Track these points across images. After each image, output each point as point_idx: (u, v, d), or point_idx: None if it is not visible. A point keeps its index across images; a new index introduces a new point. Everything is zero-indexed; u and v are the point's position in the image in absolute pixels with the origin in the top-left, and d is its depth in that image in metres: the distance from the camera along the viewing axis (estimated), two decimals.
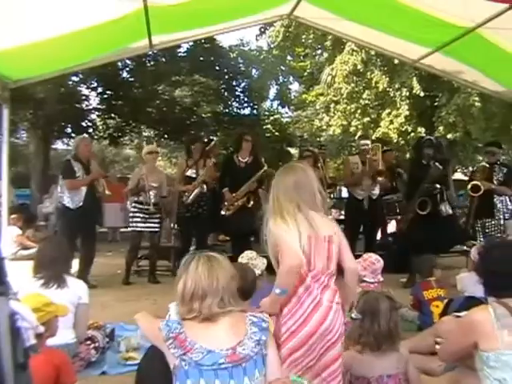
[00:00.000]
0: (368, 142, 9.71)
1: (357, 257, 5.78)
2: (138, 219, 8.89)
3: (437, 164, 8.58)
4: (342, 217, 12.54)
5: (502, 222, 8.71)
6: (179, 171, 9.40)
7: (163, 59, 20.96)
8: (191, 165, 9.01)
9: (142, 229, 8.94)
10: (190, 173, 8.96)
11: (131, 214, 9.04)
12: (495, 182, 8.68)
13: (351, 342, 3.68)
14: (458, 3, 6.19)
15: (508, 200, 8.81)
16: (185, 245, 9.08)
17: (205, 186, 8.84)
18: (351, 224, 9.38)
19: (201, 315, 2.74)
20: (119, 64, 19.59)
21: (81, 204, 8.21)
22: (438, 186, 8.63)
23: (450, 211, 8.73)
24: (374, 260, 5.56)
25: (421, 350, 4.13)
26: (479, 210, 8.78)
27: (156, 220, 8.98)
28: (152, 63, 20.95)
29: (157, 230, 9.07)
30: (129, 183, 9.23)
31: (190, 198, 8.77)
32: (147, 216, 8.84)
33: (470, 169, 9.26)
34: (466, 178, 11.70)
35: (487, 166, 8.72)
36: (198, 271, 2.80)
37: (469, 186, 8.62)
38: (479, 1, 6.01)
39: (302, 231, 3.20)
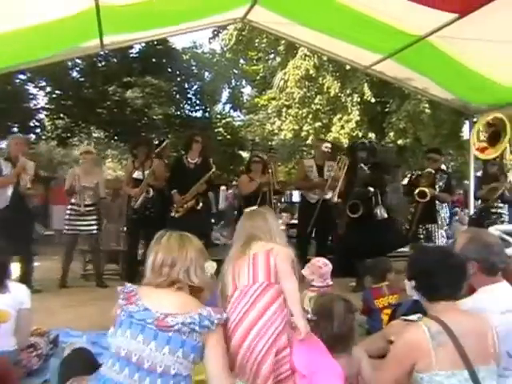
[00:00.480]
0: (329, 145, 9.78)
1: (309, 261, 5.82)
2: (72, 221, 8.70)
3: (362, 166, 8.67)
4: (294, 221, 12.58)
5: (444, 227, 8.87)
6: (126, 173, 9.27)
7: (115, 60, 20.73)
8: (137, 166, 8.89)
9: (75, 232, 8.74)
10: (137, 175, 8.84)
11: (66, 217, 8.82)
12: (437, 188, 8.77)
13: None
14: (409, 11, 6.24)
15: (447, 207, 9.07)
16: (132, 248, 8.96)
17: (151, 190, 8.71)
18: (304, 228, 9.42)
19: (168, 279, 3.00)
20: (69, 63, 19.28)
21: (7, 204, 7.95)
22: (370, 189, 8.69)
23: (386, 215, 8.71)
24: (322, 264, 5.55)
25: (370, 354, 4.13)
26: (422, 216, 8.81)
27: (92, 222, 8.77)
28: (103, 63, 20.69)
29: (94, 232, 8.85)
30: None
31: (138, 202, 8.66)
32: (81, 218, 8.66)
33: (413, 174, 9.32)
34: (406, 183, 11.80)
35: (433, 171, 8.80)
36: (169, 242, 3.10)
37: (416, 192, 8.70)
38: (430, 10, 6.08)
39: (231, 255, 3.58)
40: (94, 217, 8.79)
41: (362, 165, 8.65)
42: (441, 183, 8.82)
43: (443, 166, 9.97)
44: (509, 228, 3.53)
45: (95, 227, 8.79)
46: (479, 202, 9.49)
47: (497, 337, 2.95)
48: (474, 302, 3.30)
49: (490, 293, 3.42)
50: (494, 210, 8.80)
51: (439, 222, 8.79)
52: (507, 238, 3.18)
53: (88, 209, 8.68)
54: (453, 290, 3.04)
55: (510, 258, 6.31)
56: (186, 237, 3.19)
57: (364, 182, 8.69)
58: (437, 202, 8.77)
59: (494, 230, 3.13)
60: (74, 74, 20.85)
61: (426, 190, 8.56)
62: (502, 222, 8.42)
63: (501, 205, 8.80)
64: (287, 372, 3.22)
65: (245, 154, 24.10)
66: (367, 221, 8.53)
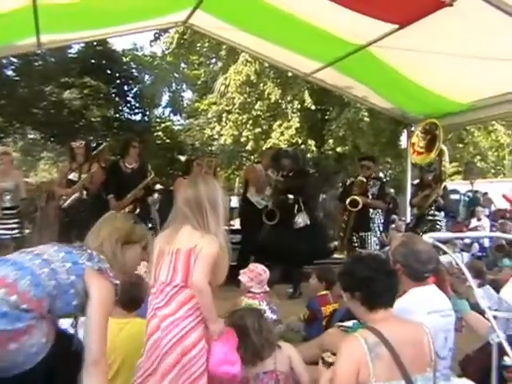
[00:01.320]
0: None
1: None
2: None
3: (271, 174, 8.73)
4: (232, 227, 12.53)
5: (377, 234, 8.94)
6: (60, 174, 9.02)
7: (52, 59, 20.31)
8: (75, 168, 8.66)
9: None
10: (72, 176, 8.57)
11: None
12: (370, 195, 8.81)
13: None
14: (350, 21, 6.31)
15: (381, 214, 9.08)
16: None
17: (85, 192, 8.52)
18: (250, 233, 9.44)
19: None
20: (3, 61, 18.76)
21: None
22: (290, 196, 8.73)
23: (308, 222, 8.73)
24: (261, 271, 5.51)
25: (305, 360, 4.14)
26: (356, 224, 8.85)
27: (14, 225, 8.52)
28: (40, 63, 20.23)
29: (16, 235, 8.56)
30: None
31: (67, 202, 8.41)
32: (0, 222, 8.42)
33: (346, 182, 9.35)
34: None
35: (364, 180, 8.87)
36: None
37: (347, 201, 8.74)
38: (370, 20, 6.16)
39: (156, 244, 3.52)
40: (15, 220, 8.52)
41: (272, 173, 8.71)
42: (373, 190, 8.86)
43: (381, 174, 10.07)
44: (443, 236, 3.56)
45: (17, 231, 8.53)
46: (414, 209, 9.45)
47: (432, 342, 3.00)
48: (403, 303, 3.36)
49: (417, 295, 3.49)
50: (429, 218, 8.80)
51: (373, 230, 8.82)
52: (440, 245, 3.21)
53: (7, 212, 8.41)
54: (391, 295, 3.07)
55: (443, 265, 6.46)
56: (109, 216, 3.45)
57: (285, 189, 8.72)
58: (371, 209, 8.81)
59: (428, 238, 3.14)
60: (9, 72, 20.31)
61: (358, 198, 8.62)
62: (439, 230, 8.50)
63: (436, 212, 8.84)
64: (199, 370, 3.18)
65: (183, 159, 23.96)
66: (285, 228, 8.55)
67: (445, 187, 8.79)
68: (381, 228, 9.09)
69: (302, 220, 8.63)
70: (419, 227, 8.65)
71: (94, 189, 8.72)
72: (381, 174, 9.78)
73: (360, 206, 8.59)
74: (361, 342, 2.82)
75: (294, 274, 8.78)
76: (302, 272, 8.81)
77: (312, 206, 9.40)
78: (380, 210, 9.05)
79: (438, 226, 8.72)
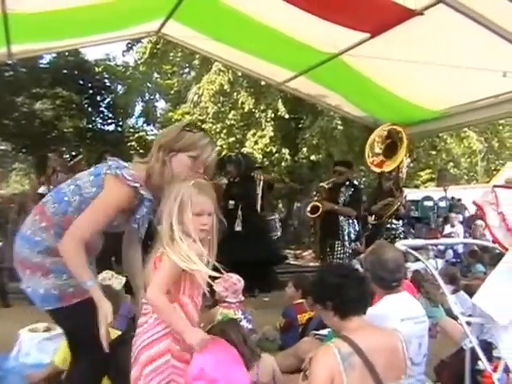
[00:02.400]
0: None
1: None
2: None
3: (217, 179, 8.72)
4: None
5: (347, 243, 8.49)
6: (32, 189, 8.96)
7: (23, 69, 20.11)
8: (42, 181, 8.58)
9: None
10: (42, 190, 8.52)
11: None
12: (341, 202, 8.52)
13: None
14: (323, 29, 6.34)
15: (354, 221, 8.67)
16: None
17: None
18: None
19: None
20: None
21: None
22: (232, 202, 8.74)
23: (238, 228, 8.72)
24: (236, 280, 5.52)
25: (281, 369, 4.13)
26: (324, 231, 8.79)
27: None
28: (11, 73, 20.03)
29: None
30: None
31: None
32: None
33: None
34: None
35: (325, 186, 8.73)
36: None
37: (308, 208, 8.63)
38: (342, 29, 6.20)
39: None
40: None
41: (221, 178, 8.72)
42: (345, 197, 8.56)
43: (362, 180, 10.04)
44: (416, 243, 3.59)
45: None
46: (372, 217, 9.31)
47: (406, 349, 3.01)
48: (375, 310, 3.37)
49: (390, 302, 3.51)
50: (388, 226, 8.79)
51: (342, 238, 8.44)
52: (413, 252, 3.23)
53: None
54: (363, 303, 3.08)
55: (417, 271, 6.51)
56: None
57: (228, 195, 8.71)
58: (341, 216, 8.49)
59: (401, 246, 3.16)
60: None
61: (319, 204, 8.51)
62: (400, 238, 8.35)
63: (395, 221, 8.79)
64: (168, 378, 3.09)
65: None
66: (227, 235, 8.40)
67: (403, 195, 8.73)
68: (352, 236, 8.63)
69: (237, 226, 8.59)
70: (377, 236, 8.50)
71: None
72: (363, 180, 9.76)
73: (319, 213, 8.47)
74: (334, 352, 2.82)
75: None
76: (276, 280, 8.81)
77: (255, 211, 9.47)
78: (353, 218, 8.65)
79: (395, 235, 8.67)
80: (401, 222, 8.79)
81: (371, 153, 8.64)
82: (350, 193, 8.60)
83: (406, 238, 8.92)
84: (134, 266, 3.62)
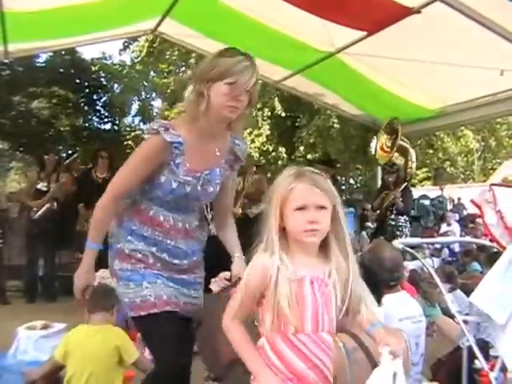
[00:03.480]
0: None
1: None
2: None
3: None
4: None
5: None
6: (29, 184, 8.96)
7: (20, 69, 20.07)
8: (43, 178, 8.61)
9: None
10: (41, 186, 8.55)
11: None
12: None
13: None
14: (320, 28, 6.34)
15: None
16: (31, 263, 8.63)
17: (55, 203, 8.46)
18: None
19: None
20: None
21: None
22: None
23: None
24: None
25: None
26: None
27: None
28: (7, 72, 20.00)
29: None
30: None
31: (38, 213, 8.35)
32: None
33: None
34: None
35: None
36: None
37: None
38: (339, 27, 6.20)
39: None
40: None
41: None
42: None
43: (358, 179, 9.94)
44: (412, 241, 3.58)
45: None
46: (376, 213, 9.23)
47: (409, 348, 2.99)
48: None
49: (388, 301, 3.50)
50: (391, 223, 8.51)
51: None
52: (410, 251, 3.22)
53: None
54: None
55: (414, 271, 6.49)
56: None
57: None
58: None
59: (398, 244, 3.15)
60: None
61: None
62: (401, 236, 8.18)
63: (398, 217, 8.49)
64: None
65: None
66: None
67: (406, 188, 8.48)
68: None
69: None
70: (381, 234, 8.40)
71: (62, 198, 8.68)
72: (351, 181, 9.67)
73: None
74: (339, 346, 2.79)
75: None
76: None
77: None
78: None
79: (398, 232, 8.44)
80: (404, 217, 8.58)
81: (381, 147, 8.63)
82: None
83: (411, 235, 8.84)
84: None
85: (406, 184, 8.49)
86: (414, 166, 8.98)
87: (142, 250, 2.91)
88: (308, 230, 2.18)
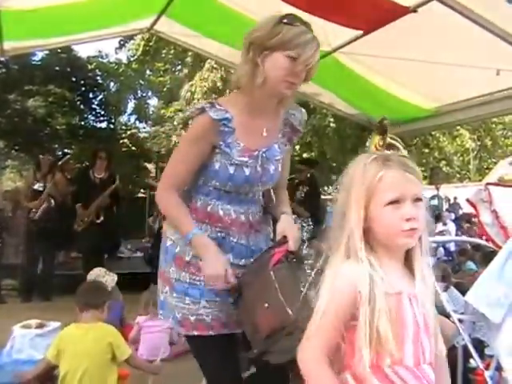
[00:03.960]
0: None
1: None
2: None
3: None
4: None
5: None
6: (26, 184, 8.96)
7: (15, 67, 20.02)
8: (39, 178, 8.60)
9: None
10: (38, 186, 8.57)
11: None
12: (296, 200, 8.33)
13: None
14: (315, 27, 6.32)
15: (308, 221, 8.46)
16: (30, 262, 8.64)
17: (52, 201, 8.46)
18: None
19: None
20: None
21: None
22: None
23: None
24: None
25: None
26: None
27: None
28: (3, 70, 19.95)
29: None
30: None
31: (38, 214, 8.35)
32: None
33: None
34: None
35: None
36: None
37: None
38: (335, 26, 6.19)
39: None
40: None
41: None
42: (299, 196, 8.50)
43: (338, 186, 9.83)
44: None
45: None
46: None
47: None
48: None
49: None
50: None
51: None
52: None
53: None
54: None
55: None
56: None
57: None
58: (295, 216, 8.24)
59: None
60: None
61: None
62: None
63: None
64: None
65: (150, 166, 23.79)
66: None
67: None
68: (304, 235, 8.10)
69: None
70: None
71: (58, 197, 8.69)
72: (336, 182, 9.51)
73: None
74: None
75: None
76: None
77: None
78: (307, 218, 8.41)
79: None
80: None
81: (375, 148, 8.64)
82: (306, 190, 8.56)
83: None
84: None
85: None
86: None
87: None
88: (407, 230, 1.73)
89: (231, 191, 2.62)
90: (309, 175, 8.81)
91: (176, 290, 2.63)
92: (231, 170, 2.56)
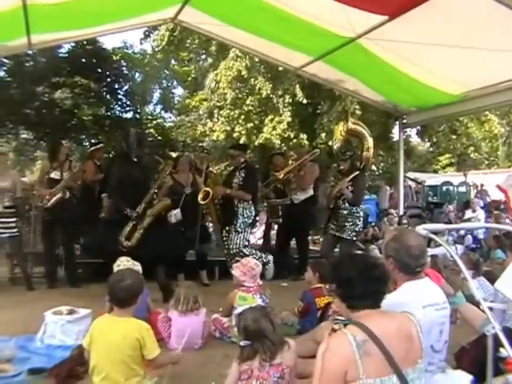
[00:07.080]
0: None
1: None
2: None
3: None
4: None
5: (239, 228, 8.24)
6: (41, 172, 8.95)
7: (43, 59, 20.20)
8: (56, 167, 8.61)
9: None
10: (54, 175, 8.57)
11: None
12: (234, 185, 8.33)
13: None
14: (340, 14, 6.28)
15: (249, 206, 8.37)
16: (48, 249, 8.65)
17: (67, 192, 8.48)
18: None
19: None
20: None
21: None
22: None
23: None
24: (254, 265, 5.67)
25: (300, 354, 4.12)
26: (224, 218, 8.65)
27: (12, 224, 8.43)
28: (31, 63, 20.14)
29: (15, 234, 8.51)
30: None
31: (50, 202, 8.35)
32: (1, 220, 8.35)
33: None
34: None
35: (213, 171, 8.51)
36: None
37: (200, 195, 8.20)
38: (360, 12, 6.14)
39: None
40: (14, 219, 8.47)
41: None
42: (237, 180, 8.38)
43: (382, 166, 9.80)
44: (437, 227, 3.53)
45: (15, 230, 8.48)
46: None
47: (421, 331, 2.95)
48: (397, 298, 3.33)
49: (411, 289, 3.46)
50: (342, 212, 8.17)
51: (236, 224, 8.23)
52: (435, 238, 3.19)
53: (8, 210, 8.39)
54: (373, 300, 2.97)
55: (436, 257, 6.46)
56: None
57: None
58: (236, 201, 8.27)
59: (422, 230, 3.11)
60: (1, 73, 20.23)
61: (209, 189, 8.27)
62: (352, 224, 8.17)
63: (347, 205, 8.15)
64: None
65: (175, 156, 23.89)
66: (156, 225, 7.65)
67: (357, 177, 8.18)
68: (247, 220, 8.34)
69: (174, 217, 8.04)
70: (329, 222, 8.39)
71: (76, 187, 8.78)
72: (373, 167, 9.50)
73: (209, 198, 8.20)
74: (349, 339, 2.73)
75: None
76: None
77: None
78: (248, 201, 8.33)
79: (347, 223, 8.17)
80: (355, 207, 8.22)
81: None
82: (243, 175, 8.40)
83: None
84: None
85: (357, 173, 8.23)
86: (371, 151, 8.83)
87: None
88: None
89: None
90: (243, 160, 8.58)
91: None
92: None
